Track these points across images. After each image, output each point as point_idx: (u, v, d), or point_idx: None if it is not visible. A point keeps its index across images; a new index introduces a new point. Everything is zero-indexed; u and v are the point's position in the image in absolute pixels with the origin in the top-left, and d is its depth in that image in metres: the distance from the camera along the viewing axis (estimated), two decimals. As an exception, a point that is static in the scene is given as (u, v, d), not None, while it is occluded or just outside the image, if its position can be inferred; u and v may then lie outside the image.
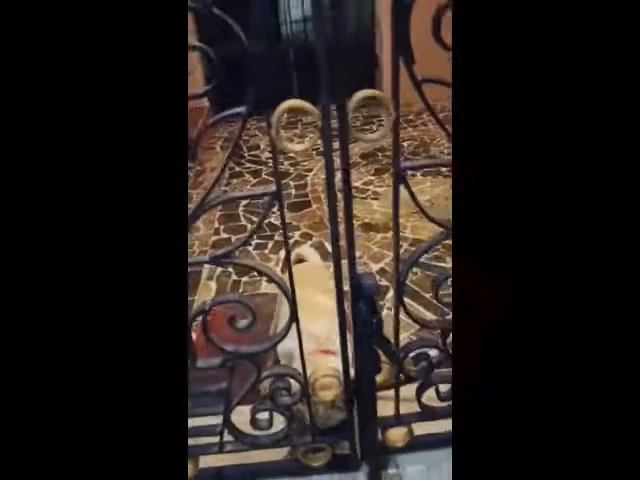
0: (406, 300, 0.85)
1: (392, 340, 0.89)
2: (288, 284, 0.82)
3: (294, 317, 0.85)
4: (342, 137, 0.71)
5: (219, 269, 2.13)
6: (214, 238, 2.39)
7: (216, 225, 2.51)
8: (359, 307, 0.81)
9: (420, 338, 1.01)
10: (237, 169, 3.17)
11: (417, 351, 0.92)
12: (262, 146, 3.44)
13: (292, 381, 0.93)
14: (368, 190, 2.74)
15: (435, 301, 0.84)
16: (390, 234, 2.00)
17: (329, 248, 0.86)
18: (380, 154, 3.15)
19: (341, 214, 0.78)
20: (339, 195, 0.75)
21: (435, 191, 2.63)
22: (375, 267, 2.05)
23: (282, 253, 2.13)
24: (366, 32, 4.01)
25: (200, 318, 0.84)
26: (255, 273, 2.07)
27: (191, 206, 0.74)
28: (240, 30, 0.62)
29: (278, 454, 1.06)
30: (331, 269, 0.85)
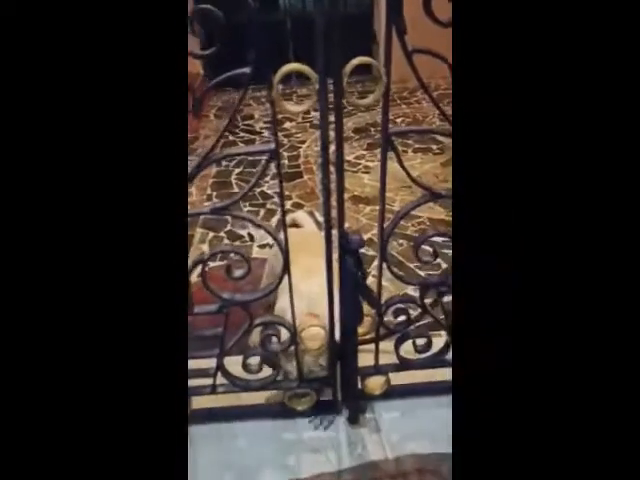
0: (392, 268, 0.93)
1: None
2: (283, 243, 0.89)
3: (286, 269, 0.93)
4: (337, 102, 0.77)
5: (211, 234, 2.19)
6: (207, 203, 2.43)
7: (208, 192, 2.56)
8: (346, 260, 0.88)
9: (400, 295, 1.09)
10: (231, 138, 3.19)
11: (396, 306, 1.00)
12: (256, 116, 3.46)
13: (282, 330, 1.01)
14: (360, 164, 2.80)
15: (415, 257, 0.91)
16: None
17: (319, 218, 0.92)
18: (372, 129, 3.19)
19: (333, 186, 0.85)
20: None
21: (424, 167, 2.69)
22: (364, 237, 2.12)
23: (275, 219, 2.19)
24: (364, 6, 4.00)
25: (199, 267, 0.91)
26: (247, 238, 2.14)
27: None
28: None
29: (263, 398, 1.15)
30: (323, 234, 0.92)
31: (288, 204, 2.39)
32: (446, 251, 1.24)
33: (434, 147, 2.86)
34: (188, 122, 0.67)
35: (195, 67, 3.45)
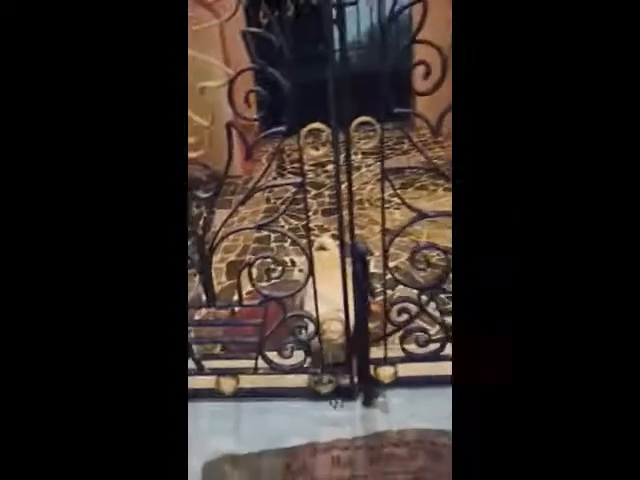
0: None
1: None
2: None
3: (311, 274, 1.21)
4: (347, 149, 1.07)
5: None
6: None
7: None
8: (357, 266, 1.16)
9: (402, 296, 1.35)
10: (278, 180, 3.59)
11: (399, 305, 1.26)
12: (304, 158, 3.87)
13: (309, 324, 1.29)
14: (392, 201, 3.08)
15: (411, 265, 1.18)
16: (406, 238, 2.28)
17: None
18: (407, 171, 3.49)
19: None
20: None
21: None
22: (391, 264, 2.38)
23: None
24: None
25: (246, 270, 1.22)
26: (289, 264, 2.46)
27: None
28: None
29: (295, 382, 1.41)
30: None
31: (327, 234, 2.70)
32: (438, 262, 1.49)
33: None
34: (242, 164, 0.99)
35: (250, 113, 3.94)
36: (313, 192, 3.28)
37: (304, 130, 1.04)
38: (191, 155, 0.99)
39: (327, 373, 1.36)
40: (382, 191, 1.12)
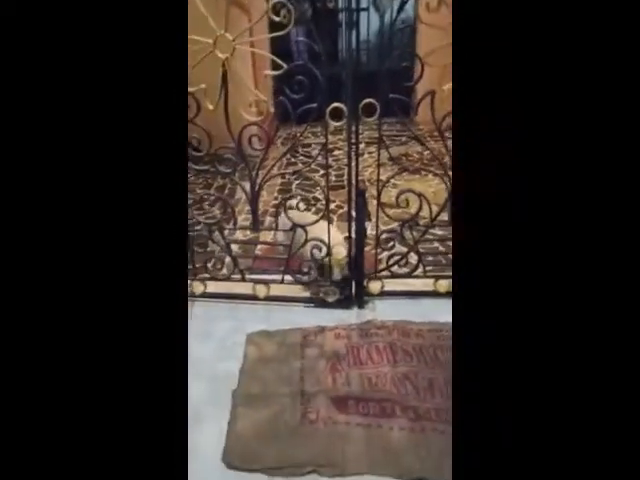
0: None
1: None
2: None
3: (327, 210, 1.75)
4: (355, 134, 1.61)
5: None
6: (273, 202, 3.34)
7: (275, 195, 3.46)
8: (358, 200, 1.70)
9: (389, 229, 1.89)
10: (292, 160, 4.13)
11: (387, 235, 1.80)
12: (312, 145, 4.40)
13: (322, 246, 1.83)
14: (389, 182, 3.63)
15: (396, 204, 1.72)
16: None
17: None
18: (404, 158, 4.03)
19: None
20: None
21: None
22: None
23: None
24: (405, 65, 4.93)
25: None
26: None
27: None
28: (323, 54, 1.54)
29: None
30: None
31: (332, 205, 3.24)
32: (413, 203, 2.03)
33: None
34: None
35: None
36: (321, 172, 3.81)
37: (327, 110, 1.57)
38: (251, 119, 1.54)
39: (333, 286, 1.89)
40: (378, 156, 1.66)
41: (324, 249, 1.82)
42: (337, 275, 1.90)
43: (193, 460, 0.95)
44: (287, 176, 3.79)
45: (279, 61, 1.57)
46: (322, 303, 1.91)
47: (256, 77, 3.54)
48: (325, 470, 1.24)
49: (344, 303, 1.91)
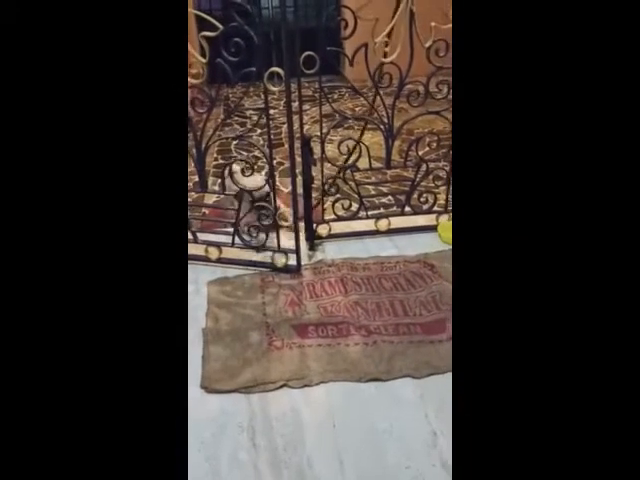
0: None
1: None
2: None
3: (271, 173, 1.87)
4: (299, 99, 1.72)
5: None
6: (214, 163, 3.37)
7: (215, 155, 3.49)
8: (304, 148, 1.84)
9: (332, 174, 2.05)
10: (228, 121, 4.13)
11: (330, 180, 1.96)
12: (246, 105, 4.40)
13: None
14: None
15: (338, 151, 1.87)
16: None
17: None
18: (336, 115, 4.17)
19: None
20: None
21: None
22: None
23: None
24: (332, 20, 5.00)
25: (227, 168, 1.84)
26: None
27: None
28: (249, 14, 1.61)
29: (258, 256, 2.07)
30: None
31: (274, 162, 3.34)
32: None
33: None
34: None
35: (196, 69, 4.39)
36: (259, 131, 3.87)
37: (266, 73, 1.65)
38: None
39: (281, 252, 1.99)
40: (320, 106, 1.79)
41: (270, 215, 1.93)
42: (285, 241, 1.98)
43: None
44: (223, 135, 3.81)
45: (215, 22, 1.61)
46: (272, 267, 1.96)
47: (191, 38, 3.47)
48: (294, 383, 1.42)
49: (292, 269, 1.95)
